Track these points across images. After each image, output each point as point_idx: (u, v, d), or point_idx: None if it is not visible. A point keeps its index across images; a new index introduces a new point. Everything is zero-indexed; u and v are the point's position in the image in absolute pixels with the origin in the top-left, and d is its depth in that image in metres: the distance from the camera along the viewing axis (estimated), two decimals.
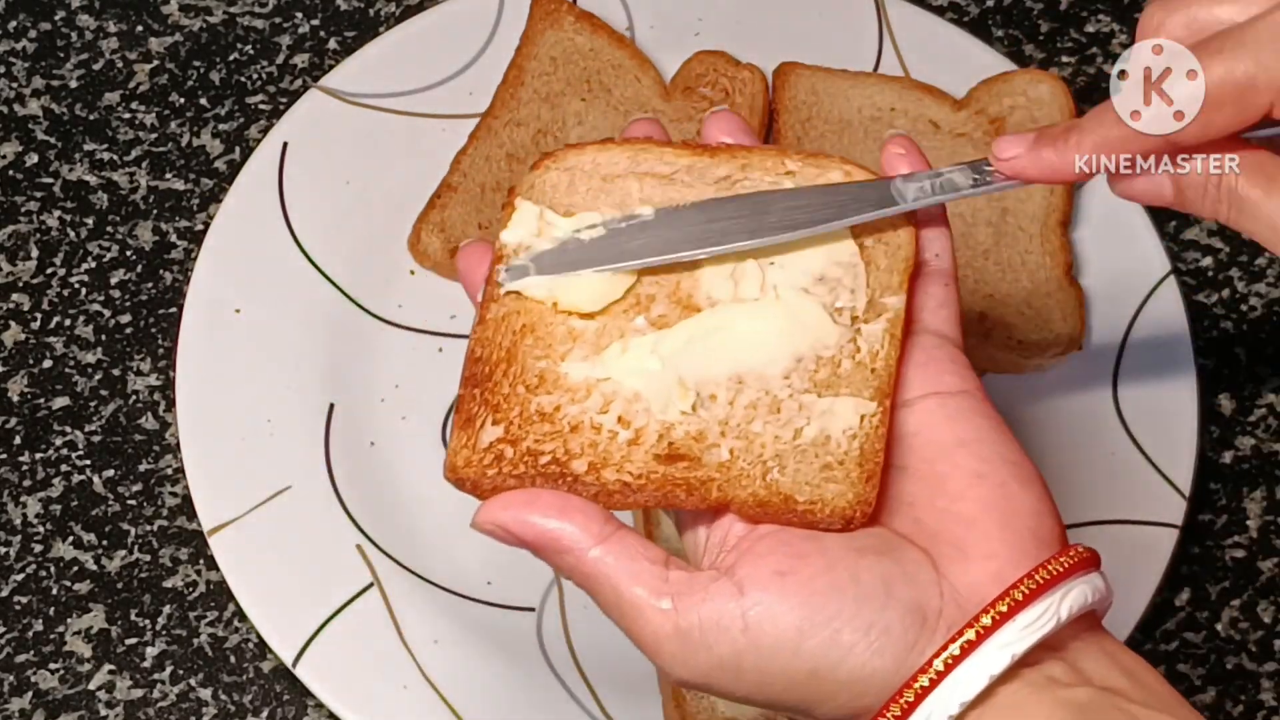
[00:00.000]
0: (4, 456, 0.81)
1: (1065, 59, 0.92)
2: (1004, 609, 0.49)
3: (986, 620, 0.49)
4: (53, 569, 0.79)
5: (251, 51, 0.92)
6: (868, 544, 0.51)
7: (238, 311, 0.83)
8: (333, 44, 0.92)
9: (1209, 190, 0.54)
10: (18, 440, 0.81)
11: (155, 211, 0.87)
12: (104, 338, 0.84)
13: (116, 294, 0.85)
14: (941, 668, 0.49)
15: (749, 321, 0.55)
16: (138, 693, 0.76)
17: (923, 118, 0.86)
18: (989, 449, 0.53)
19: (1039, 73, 0.87)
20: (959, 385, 0.54)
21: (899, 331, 0.54)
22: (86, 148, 0.89)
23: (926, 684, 0.49)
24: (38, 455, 0.81)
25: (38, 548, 0.79)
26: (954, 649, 0.49)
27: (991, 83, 0.87)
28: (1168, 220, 0.88)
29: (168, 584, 0.79)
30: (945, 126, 0.86)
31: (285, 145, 0.86)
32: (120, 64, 0.91)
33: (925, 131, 0.86)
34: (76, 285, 0.85)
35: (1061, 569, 0.50)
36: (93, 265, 0.86)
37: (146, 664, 0.77)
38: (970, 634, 0.49)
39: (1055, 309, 0.81)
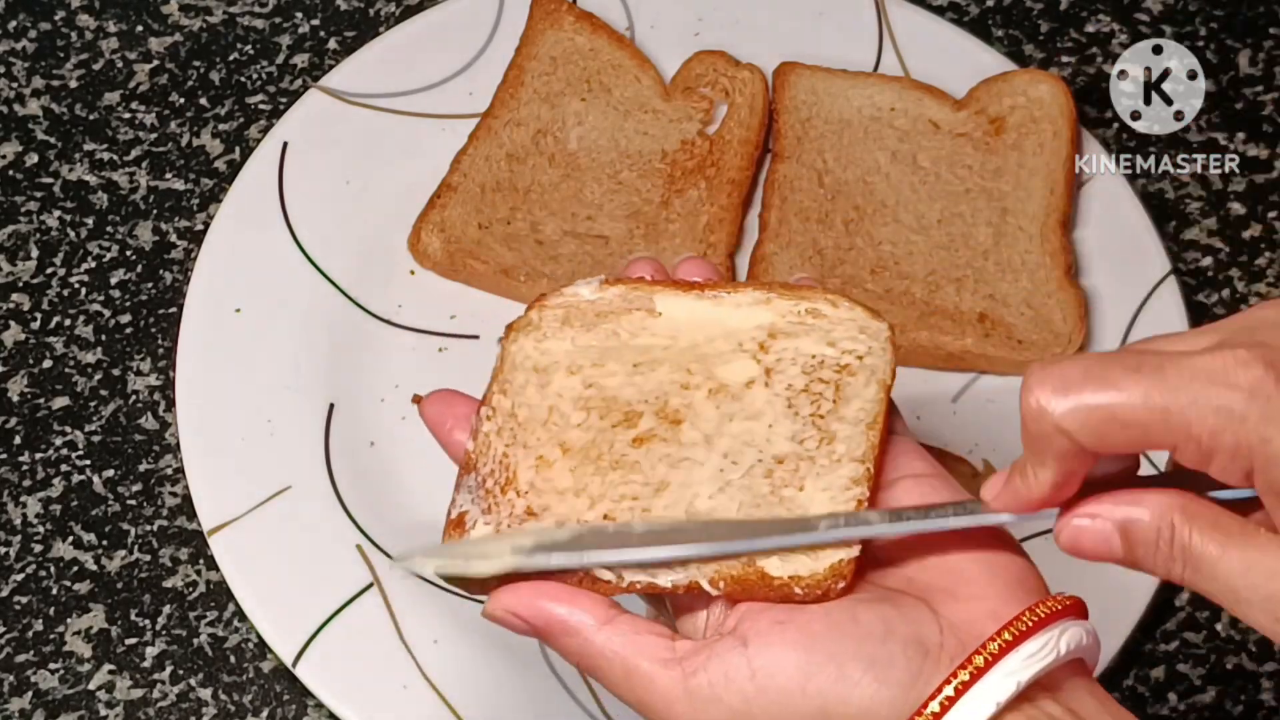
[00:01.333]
0: (4, 456, 0.81)
1: (1065, 59, 0.92)
2: (1009, 637, 0.50)
3: (994, 647, 0.50)
4: (53, 569, 0.79)
5: (251, 51, 0.92)
6: (862, 595, 0.54)
7: (238, 311, 0.82)
8: (333, 44, 0.92)
9: (1160, 546, 0.50)
10: (18, 440, 0.81)
11: (155, 211, 0.87)
12: (104, 338, 0.84)
13: (116, 294, 0.85)
14: (952, 693, 0.50)
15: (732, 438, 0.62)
16: (138, 693, 0.76)
17: (922, 117, 0.86)
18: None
19: (1039, 73, 0.87)
20: (927, 469, 0.58)
21: (879, 426, 0.60)
22: (86, 148, 0.89)
23: (938, 709, 0.50)
24: (38, 455, 0.81)
25: (38, 548, 0.79)
26: (964, 675, 0.50)
27: (991, 82, 0.87)
28: (1168, 220, 0.88)
29: (168, 584, 0.79)
30: (945, 126, 0.86)
31: (285, 145, 0.86)
32: (120, 64, 0.91)
33: (925, 131, 0.86)
34: (76, 285, 0.85)
35: (1059, 607, 0.52)
36: (93, 265, 0.86)
37: (146, 664, 0.77)
38: (979, 660, 0.50)
39: (1055, 309, 0.81)
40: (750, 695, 0.52)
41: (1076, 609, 0.52)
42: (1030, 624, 0.51)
